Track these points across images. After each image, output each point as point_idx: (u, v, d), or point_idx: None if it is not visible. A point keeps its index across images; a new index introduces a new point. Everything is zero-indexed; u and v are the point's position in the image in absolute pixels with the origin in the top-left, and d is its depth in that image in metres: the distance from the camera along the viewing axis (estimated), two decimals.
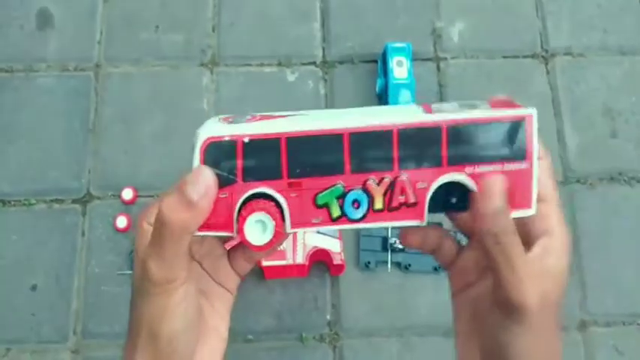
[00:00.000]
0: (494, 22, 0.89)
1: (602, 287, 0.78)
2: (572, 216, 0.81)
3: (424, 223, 0.29)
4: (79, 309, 0.75)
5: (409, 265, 0.76)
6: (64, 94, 0.84)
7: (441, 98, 0.85)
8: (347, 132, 0.28)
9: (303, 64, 0.87)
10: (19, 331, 0.74)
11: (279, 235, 0.28)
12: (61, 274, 0.76)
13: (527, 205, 0.28)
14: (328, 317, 0.76)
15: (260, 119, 0.29)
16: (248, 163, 0.28)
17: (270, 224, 0.28)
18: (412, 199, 0.28)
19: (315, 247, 0.73)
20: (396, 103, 0.78)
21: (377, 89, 0.84)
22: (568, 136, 0.84)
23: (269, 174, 0.28)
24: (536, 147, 0.28)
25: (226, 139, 0.28)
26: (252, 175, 0.28)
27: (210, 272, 0.32)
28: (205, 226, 0.28)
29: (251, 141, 0.28)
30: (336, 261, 0.73)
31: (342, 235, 0.75)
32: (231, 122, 0.29)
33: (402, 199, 0.28)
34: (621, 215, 0.81)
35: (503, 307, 0.28)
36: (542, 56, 0.88)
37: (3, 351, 0.73)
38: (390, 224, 0.29)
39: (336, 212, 0.28)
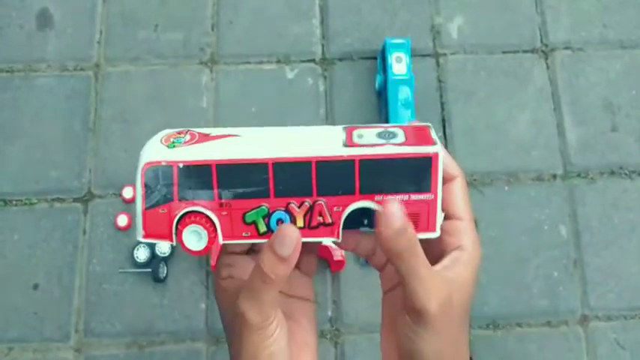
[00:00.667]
0: (494, 17, 0.89)
1: (603, 281, 0.78)
2: (572, 210, 0.81)
3: (339, 240, 0.32)
4: (81, 307, 0.75)
5: None
6: (64, 93, 0.84)
7: (441, 94, 0.85)
8: (271, 162, 0.31)
9: (303, 61, 0.87)
10: (21, 329, 0.74)
11: (212, 241, 0.32)
12: (62, 273, 0.76)
13: (432, 229, 0.32)
14: (329, 313, 0.76)
15: (197, 141, 0.32)
16: (182, 185, 0.31)
17: (203, 233, 0.32)
18: (329, 220, 0.32)
19: None
20: (395, 99, 0.78)
21: (376, 85, 0.84)
22: (568, 130, 0.84)
23: (202, 195, 0.31)
24: (440, 182, 0.31)
25: (163, 164, 0.31)
26: (186, 194, 0.31)
27: (287, 291, 0.36)
28: (149, 236, 0.32)
29: (185, 167, 0.31)
30: (337, 257, 0.73)
31: None
32: (171, 143, 0.32)
33: (320, 219, 0.32)
34: (622, 209, 0.81)
35: (410, 311, 0.31)
36: (542, 51, 0.88)
37: (5, 350, 0.74)
38: (310, 240, 0.32)
39: (262, 228, 0.32)
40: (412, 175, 0.31)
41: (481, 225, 0.79)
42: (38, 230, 0.78)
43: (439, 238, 0.33)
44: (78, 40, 0.87)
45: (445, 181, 0.33)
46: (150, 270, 0.74)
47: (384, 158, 0.31)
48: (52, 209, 0.79)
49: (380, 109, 0.84)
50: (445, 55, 0.87)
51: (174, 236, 0.32)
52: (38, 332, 0.74)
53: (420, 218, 0.32)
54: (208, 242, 0.32)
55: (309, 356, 0.35)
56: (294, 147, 0.31)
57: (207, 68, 0.86)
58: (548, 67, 0.87)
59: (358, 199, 0.31)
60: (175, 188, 0.31)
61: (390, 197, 0.31)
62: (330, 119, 0.84)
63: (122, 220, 0.77)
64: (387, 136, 0.32)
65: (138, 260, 0.75)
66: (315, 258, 0.37)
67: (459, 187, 0.34)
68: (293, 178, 0.31)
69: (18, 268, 0.77)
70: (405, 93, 0.79)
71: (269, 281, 0.30)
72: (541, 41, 0.88)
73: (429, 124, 0.33)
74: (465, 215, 0.34)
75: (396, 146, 0.31)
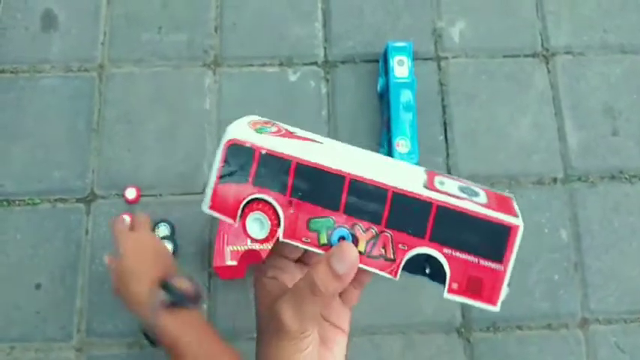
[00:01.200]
0: (495, 21, 0.90)
1: (604, 285, 0.78)
2: (573, 214, 0.81)
3: (396, 279, 0.31)
4: (83, 307, 0.76)
5: None
6: (68, 94, 0.85)
7: (442, 97, 0.86)
8: (350, 177, 0.31)
9: (305, 64, 0.87)
10: (24, 329, 0.75)
11: (273, 234, 0.32)
12: (65, 273, 0.77)
13: (494, 303, 0.31)
14: None
15: (283, 135, 0.33)
16: (260, 171, 0.31)
17: (267, 224, 0.32)
18: (391, 256, 0.31)
19: None
20: (397, 102, 0.79)
21: (378, 88, 0.84)
22: (569, 134, 0.84)
23: (275, 186, 0.31)
24: (513, 256, 0.30)
25: (247, 145, 0.31)
26: (260, 182, 0.31)
27: (326, 316, 0.36)
28: (215, 208, 0.32)
29: (267, 154, 0.31)
30: None
31: None
32: (259, 128, 0.33)
33: (382, 251, 0.31)
34: (622, 213, 0.81)
35: None
36: (543, 55, 0.88)
37: (7, 349, 0.74)
38: (365, 268, 0.31)
39: (323, 240, 0.31)
40: (488, 239, 0.30)
41: None
42: (41, 230, 0.78)
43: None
44: (82, 41, 0.87)
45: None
46: None
47: (464, 212, 0.30)
48: (55, 209, 0.79)
49: (382, 111, 0.84)
50: (447, 58, 0.88)
51: (238, 217, 0.32)
52: (40, 332, 0.74)
53: (483, 286, 0.30)
54: (269, 234, 0.32)
55: None
56: (375, 171, 0.31)
57: (211, 70, 0.87)
58: (549, 72, 0.88)
59: (426, 245, 0.30)
60: (253, 172, 0.31)
61: (461, 254, 0.30)
62: (332, 122, 0.85)
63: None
64: (470, 192, 0.31)
65: None
66: (360, 292, 0.37)
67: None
68: (366, 200, 0.31)
69: (21, 267, 0.77)
70: (406, 96, 0.79)
71: (318, 294, 0.30)
72: (542, 46, 0.89)
73: (512, 196, 0.33)
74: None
75: (478, 205, 0.30)
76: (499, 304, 0.31)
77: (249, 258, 0.73)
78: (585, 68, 0.88)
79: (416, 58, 0.85)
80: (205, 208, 0.32)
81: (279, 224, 0.32)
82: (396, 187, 0.30)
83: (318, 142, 0.33)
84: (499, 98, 0.86)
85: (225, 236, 0.72)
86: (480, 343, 0.76)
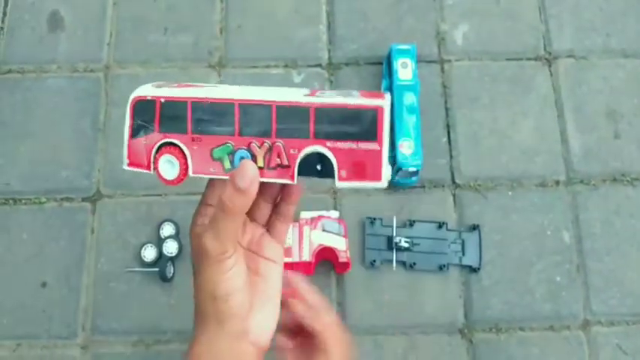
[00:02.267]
0: (498, 25, 0.91)
1: (606, 287, 0.79)
2: (575, 216, 0.81)
3: (294, 182, 0.35)
4: (88, 305, 0.76)
5: (414, 263, 0.77)
6: (74, 94, 0.85)
7: (445, 99, 0.86)
8: (237, 102, 0.34)
9: (309, 65, 0.88)
10: (29, 326, 0.75)
11: (184, 172, 0.35)
12: (70, 272, 0.77)
13: (378, 179, 0.34)
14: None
15: (182, 86, 0.36)
16: (163, 119, 0.35)
17: (176, 163, 0.35)
18: (285, 162, 0.35)
19: (321, 245, 0.74)
20: (400, 104, 0.79)
21: (382, 90, 0.85)
22: (571, 137, 0.85)
23: (178, 129, 0.35)
24: (386, 134, 0.34)
25: (148, 97, 0.35)
26: (165, 127, 0.35)
27: (257, 251, 0.39)
28: (133, 164, 0.36)
29: (166, 101, 0.35)
30: (342, 259, 0.74)
31: (347, 234, 0.76)
32: (160, 87, 0.36)
33: (278, 160, 0.35)
34: (624, 215, 0.82)
35: None
36: (546, 59, 0.89)
37: (14, 346, 0.74)
38: (268, 180, 0.35)
39: (227, 165, 0.35)
40: (361, 125, 0.34)
41: (484, 229, 0.80)
42: (47, 229, 0.79)
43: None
44: (88, 42, 0.88)
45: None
46: (157, 269, 0.75)
47: (337, 107, 0.34)
48: (61, 208, 0.80)
49: None
50: (450, 61, 0.89)
51: (152, 165, 0.36)
52: (46, 329, 0.75)
53: (366, 167, 0.34)
54: (180, 173, 0.35)
55: (270, 308, 0.38)
56: (260, 94, 0.35)
57: (216, 71, 0.87)
58: (551, 75, 0.88)
59: (312, 144, 0.34)
60: (157, 121, 0.35)
61: (341, 143, 0.34)
62: None
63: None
64: (345, 94, 0.35)
65: (145, 260, 0.76)
66: (286, 227, 0.41)
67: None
68: (256, 119, 0.34)
69: (27, 266, 0.77)
70: (410, 98, 0.80)
71: (227, 210, 0.33)
72: (545, 49, 0.90)
73: (386, 93, 0.36)
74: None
75: (350, 99, 0.34)
76: (384, 179, 0.34)
77: None
78: (587, 72, 0.89)
79: (419, 60, 0.85)
80: (124, 165, 0.36)
81: (187, 162, 0.35)
82: (278, 101, 0.34)
83: (214, 86, 0.37)
84: (502, 101, 0.87)
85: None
86: (482, 344, 0.76)
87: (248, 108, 0.34)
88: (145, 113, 0.35)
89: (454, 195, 0.82)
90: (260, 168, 0.34)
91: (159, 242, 0.77)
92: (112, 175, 0.82)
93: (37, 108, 0.84)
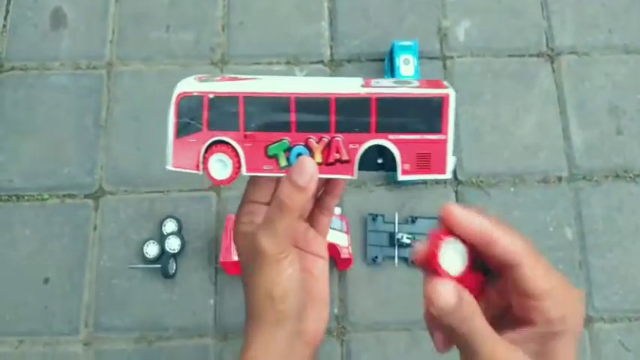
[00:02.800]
0: (500, 21, 0.90)
1: (608, 283, 0.79)
2: (577, 213, 0.81)
3: (354, 178, 0.33)
4: (91, 302, 0.76)
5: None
6: (77, 91, 0.86)
7: None
8: (294, 96, 0.33)
9: (312, 62, 0.88)
10: (32, 323, 0.75)
11: (236, 172, 0.34)
12: (73, 268, 0.77)
13: (443, 171, 0.33)
14: (336, 311, 0.76)
15: (227, 80, 0.35)
16: (212, 116, 0.33)
17: (229, 162, 0.33)
18: (345, 157, 0.33)
19: None
20: None
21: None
22: (574, 133, 0.85)
23: (229, 126, 0.33)
24: (451, 123, 0.33)
25: (195, 94, 0.33)
26: (215, 125, 0.33)
27: (304, 247, 0.38)
28: (178, 165, 0.34)
29: (215, 97, 0.33)
30: (344, 255, 0.74)
31: (349, 230, 0.76)
32: (203, 81, 0.35)
33: (337, 156, 0.33)
34: (626, 212, 0.82)
35: None
36: (548, 55, 0.89)
37: (16, 343, 0.75)
38: (326, 176, 0.33)
39: (283, 162, 0.33)
40: (424, 115, 0.32)
41: None
42: (49, 225, 0.79)
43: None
44: (91, 39, 0.88)
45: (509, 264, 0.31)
46: (159, 266, 0.75)
47: (399, 97, 0.32)
48: (63, 205, 0.80)
49: None
50: (452, 57, 0.88)
51: (201, 165, 0.34)
52: (48, 326, 0.75)
53: (431, 159, 0.33)
54: (232, 172, 0.34)
55: (320, 305, 0.37)
56: (315, 86, 0.33)
57: (218, 68, 0.87)
58: (554, 71, 0.88)
59: (373, 137, 0.33)
60: (205, 118, 0.33)
61: (405, 135, 0.32)
62: None
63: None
64: (403, 83, 0.34)
65: (147, 256, 0.76)
66: (329, 219, 0.40)
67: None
68: (313, 113, 0.33)
69: (29, 262, 0.78)
70: None
71: (285, 208, 0.32)
72: (547, 45, 0.89)
73: (443, 79, 0.34)
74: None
75: (411, 88, 0.33)
76: (448, 171, 0.33)
77: None
78: (590, 68, 0.88)
79: (421, 57, 0.85)
80: (168, 166, 0.34)
81: (239, 160, 0.33)
82: (336, 94, 0.32)
83: (260, 79, 0.36)
84: (504, 97, 0.87)
85: (232, 232, 0.72)
86: None
87: (305, 101, 0.33)
88: (192, 110, 0.33)
89: (456, 191, 0.82)
90: (318, 164, 0.33)
91: (161, 239, 0.77)
92: (115, 172, 0.82)
93: (40, 105, 0.85)
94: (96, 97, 0.85)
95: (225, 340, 0.75)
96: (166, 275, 0.75)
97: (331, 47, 0.89)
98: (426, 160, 0.33)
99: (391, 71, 0.82)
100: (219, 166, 0.34)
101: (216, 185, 0.34)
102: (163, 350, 0.75)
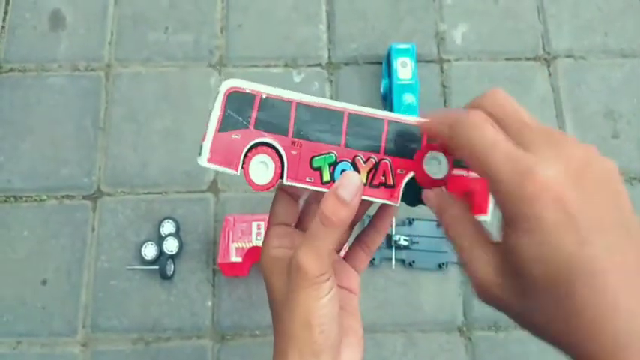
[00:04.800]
0: (497, 25, 0.91)
1: None
2: None
3: (397, 205, 0.32)
4: (89, 303, 0.76)
5: (413, 261, 0.78)
6: (75, 93, 0.86)
7: (445, 99, 0.87)
8: (347, 112, 0.32)
9: (309, 65, 0.88)
10: (30, 324, 0.75)
11: (277, 178, 0.32)
12: (71, 269, 0.78)
13: (485, 212, 0.32)
14: None
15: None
16: (261, 116, 0.32)
17: (272, 165, 0.31)
18: (391, 182, 0.32)
19: None
20: (400, 103, 0.80)
21: (382, 90, 0.85)
22: (570, 136, 0.85)
23: (277, 129, 0.32)
24: None
25: (247, 91, 0.32)
26: (262, 126, 0.32)
27: (338, 281, 0.35)
28: (214, 160, 0.32)
29: (268, 98, 0.32)
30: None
31: None
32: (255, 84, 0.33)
33: (382, 179, 0.32)
34: None
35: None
36: (544, 59, 0.90)
37: (14, 343, 0.75)
38: (369, 199, 0.32)
39: (326, 177, 0.32)
40: None
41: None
42: (48, 226, 0.79)
43: None
44: (89, 40, 0.89)
45: None
46: (157, 267, 0.75)
47: None
48: (61, 206, 0.80)
49: None
50: (449, 61, 0.89)
51: (240, 165, 0.31)
52: (46, 327, 0.75)
53: (475, 198, 0.32)
54: (273, 178, 0.32)
55: (355, 339, 0.35)
56: (371, 110, 0.33)
57: (216, 70, 0.88)
58: (550, 75, 0.89)
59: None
60: (253, 117, 0.31)
61: (453, 170, 0.32)
62: None
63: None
64: None
65: (145, 257, 0.76)
66: (369, 257, 0.38)
67: None
68: (364, 132, 0.32)
69: (27, 263, 0.78)
70: (409, 98, 0.80)
71: (329, 224, 0.30)
72: (543, 49, 0.90)
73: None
74: None
75: None
76: (489, 213, 0.32)
77: (253, 256, 0.74)
78: (586, 72, 0.89)
79: (419, 60, 0.86)
80: (204, 161, 0.32)
81: (282, 167, 0.32)
82: (390, 117, 0.32)
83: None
84: None
85: (230, 233, 0.73)
86: (482, 341, 0.76)
87: (358, 119, 0.32)
88: (241, 106, 0.32)
89: None
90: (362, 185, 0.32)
91: (159, 240, 0.77)
92: (113, 173, 0.82)
93: (38, 106, 0.85)
94: (94, 99, 0.85)
95: (222, 342, 0.75)
96: (164, 276, 0.75)
97: (329, 50, 0.89)
98: (470, 200, 0.32)
99: (389, 74, 0.83)
100: (261, 169, 0.32)
101: (255, 190, 0.31)
102: (161, 351, 0.75)
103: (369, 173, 0.32)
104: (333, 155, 0.32)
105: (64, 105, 0.85)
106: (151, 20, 0.90)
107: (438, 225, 0.79)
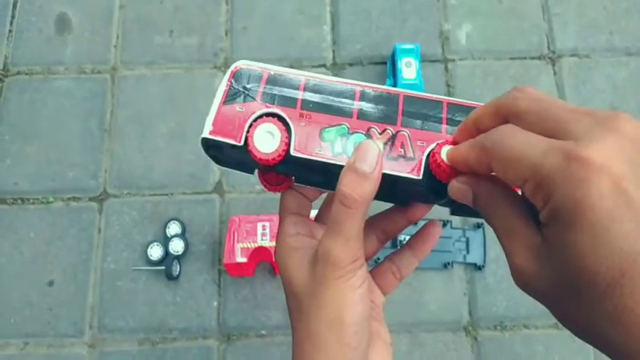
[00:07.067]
0: (501, 24, 0.91)
1: None
2: None
3: (419, 177, 0.29)
4: (95, 304, 0.77)
5: None
6: (81, 95, 0.86)
7: None
8: (360, 87, 0.30)
9: (314, 66, 0.89)
10: (37, 325, 0.76)
11: (284, 149, 0.29)
12: (77, 270, 0.78)
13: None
14: None
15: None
16: (268, 89, 0.30)
17: (278, 134, 0.29)
18: (410, 154, 0.29)
19: None
20: None
21: None
22: None
23: (285, 101, 0.30)
24: None
25: (255, 67, 0.31)
26: (269, 99, 0.30)
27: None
28: (217, 132, 0.30)
29: (276, 74, 0.30)
30: None
31: None
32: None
33: (401, 151, 0.29)
34: None
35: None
36: (549, 57, 0.89)
37: (21, 344, 0.75)
38: (388, 172, 0.29)
39: (338, 149, 0.29)
40: None
41: (488, 227, 0.80)
42: (54, 228, 0.80)
43: None
44: (95, 44, 0.89)
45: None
46: (163, 268, 0.76)
47: (469, 106, 0.30)
48: (68, 208, 0.81)
49: None
50: (454, 60, 0.89)
51: (243, 136, 0.29)
52: (53, 328, 0.76)
53: None
54: (279, 148, 0.29)
55: (382, 346, 0.31)
56: (382, 86, 0.31)
57: (221, 72, 0.88)
58: (555, 74, 0.89)
59: (444, 137, 0.30)
60: (260, 91, 0.30)
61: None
62: None
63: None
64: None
65: (151, 258, 0.77)
66: (398, 282, 0.35)
67: None
68: (379, 104, 0.30)
69: (34, 264, 0.78)
70: None
71: (351, 203, 0.27)
72: (548, 48, 0.90)
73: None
74: None
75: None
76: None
77: (258, 256, 0.74)
78: (591, 70, 0.89)
79: (423, 60, 0.86)
80: (206, 133, 0.30)
81: (289, 137, 0.29)
82: (406, 92, 0.30)
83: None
84: None
85: (236, 234, 0.73)
86: (487, 341, 0.76)
87: (372, 93, 0.30)
88: (249, 81, 0.30)
89: None
90: None
91: (165, 241, 0.77)
92: (119, 175, 0.82)
93: (45, 109, 0.85)
94: (100, 101, 0.86)
95: (228, 342, 0.75)
96: (170, 277, 0.76)
97: (333, 51, 0.89)
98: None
99: (393, 74, 0.83)
100: (267, 139, 0.29)
101: (258, 161, 0.29)
102: (167, 351, 0.75)
103: (385, 145, 0.29)
104: (345, 127, 0.29)
105: (70, 108, 0.86)
106: (156, 23, 0.90)
107: (444, 225, 0.79)
